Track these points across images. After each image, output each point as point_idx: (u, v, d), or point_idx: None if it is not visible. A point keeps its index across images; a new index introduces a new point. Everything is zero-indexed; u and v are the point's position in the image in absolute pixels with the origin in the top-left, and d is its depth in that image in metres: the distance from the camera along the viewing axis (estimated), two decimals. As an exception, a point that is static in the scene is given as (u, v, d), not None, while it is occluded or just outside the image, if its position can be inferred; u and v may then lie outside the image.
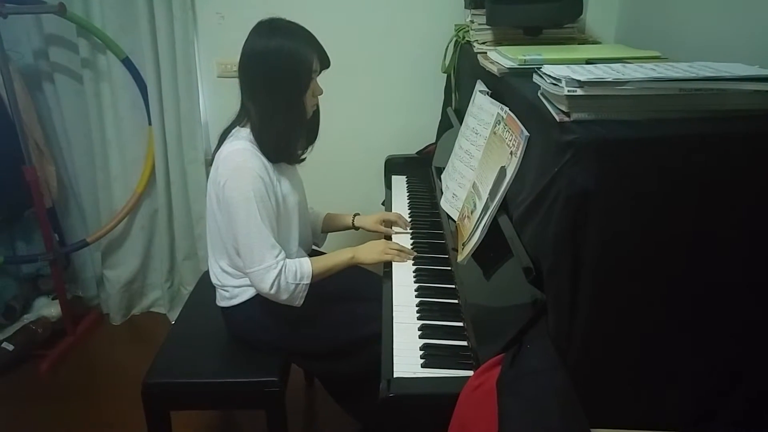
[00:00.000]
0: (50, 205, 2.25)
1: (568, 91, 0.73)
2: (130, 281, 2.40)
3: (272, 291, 1.31)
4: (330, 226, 1.73)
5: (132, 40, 2.10)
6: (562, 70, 0.78)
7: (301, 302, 1.36)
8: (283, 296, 1.33)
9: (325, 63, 1.37)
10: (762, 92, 0.73)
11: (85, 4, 2.03)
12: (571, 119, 0.75)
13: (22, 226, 2.28)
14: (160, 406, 1.41)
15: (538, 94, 0.87)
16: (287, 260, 1.34)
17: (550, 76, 0.79)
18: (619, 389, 0.83)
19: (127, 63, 2.10)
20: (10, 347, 2.11)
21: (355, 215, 1.72)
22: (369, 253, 1.43)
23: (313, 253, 1.62)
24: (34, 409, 1.95)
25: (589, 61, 1.02)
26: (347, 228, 1.73)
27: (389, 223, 1.65)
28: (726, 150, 0.72)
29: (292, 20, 1.34)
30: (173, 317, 2.36)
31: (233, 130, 1.39)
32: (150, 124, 2.17)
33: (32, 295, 2.37)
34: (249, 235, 1.30)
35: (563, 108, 0.76)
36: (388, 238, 1.60)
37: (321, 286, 1.40)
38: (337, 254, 1.44)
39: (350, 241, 1.98)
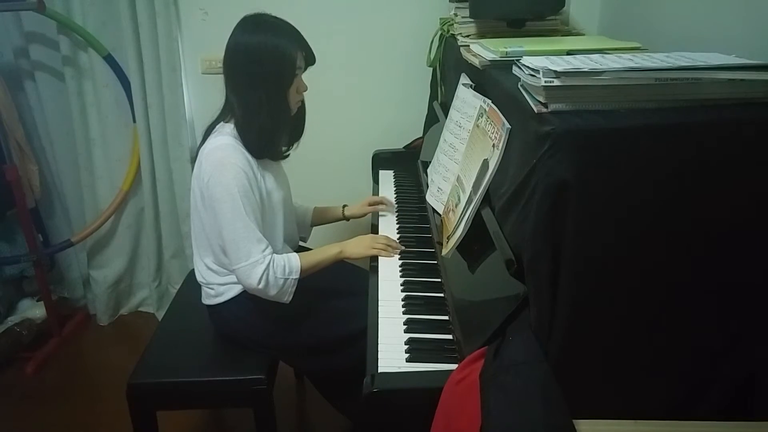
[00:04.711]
0: (33, 205, 2.22)
1: (545, 81, 0.73)
2: (117, 281, 2.37)
3: (260, 286, 1.30)
4: (320, 219, 1.73)
5: (114, 37, 2.07)
6: (541, 61, 0.77)
7: (290, 298, 1.36)
8: (272, 292, 1.32)
9: (310, 60, 1.36)
10: (736, 81, 0.73)
11: (65, 0, 2.00)
12: (549, 110, 0.74)
13: (5, 226, 2.24)
14: (146, 407, 1.39)
15: (518, 86, 0.87)
16: (275, 255, 1.34)
17: (528, 67, 0.79)
18: (600, 379, 0.84)
19: (110, 60, 2.07)
20: (-6, 350, 2.09)
21: (344, 206, 1.73)
22: (356, 247, 1.45)
23: (299, 250, 1.61)
24: (20, 411, 1.93)
25: (570, 53, 1.02)
26: (338, 219, 1.74)
27: (376, 204, 1.68)
28: (701, 139, 0.72)
29: (278, 16, 1.33)
30: (162, 316, 2.34)
31: (217, 126, 1.38)
32: (134, 121, 2.14)
33: (16, 297, 2.34)
34: (234, 230, 1.29)
35: (541, 99, 0.76)
36: (376, 231, 1.60)
37: (308, 281, 1.39)
38: (325, 249, 1.44)
39: (338, 233, 1.98)
